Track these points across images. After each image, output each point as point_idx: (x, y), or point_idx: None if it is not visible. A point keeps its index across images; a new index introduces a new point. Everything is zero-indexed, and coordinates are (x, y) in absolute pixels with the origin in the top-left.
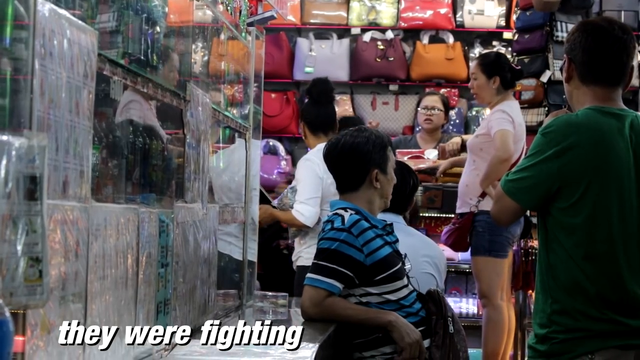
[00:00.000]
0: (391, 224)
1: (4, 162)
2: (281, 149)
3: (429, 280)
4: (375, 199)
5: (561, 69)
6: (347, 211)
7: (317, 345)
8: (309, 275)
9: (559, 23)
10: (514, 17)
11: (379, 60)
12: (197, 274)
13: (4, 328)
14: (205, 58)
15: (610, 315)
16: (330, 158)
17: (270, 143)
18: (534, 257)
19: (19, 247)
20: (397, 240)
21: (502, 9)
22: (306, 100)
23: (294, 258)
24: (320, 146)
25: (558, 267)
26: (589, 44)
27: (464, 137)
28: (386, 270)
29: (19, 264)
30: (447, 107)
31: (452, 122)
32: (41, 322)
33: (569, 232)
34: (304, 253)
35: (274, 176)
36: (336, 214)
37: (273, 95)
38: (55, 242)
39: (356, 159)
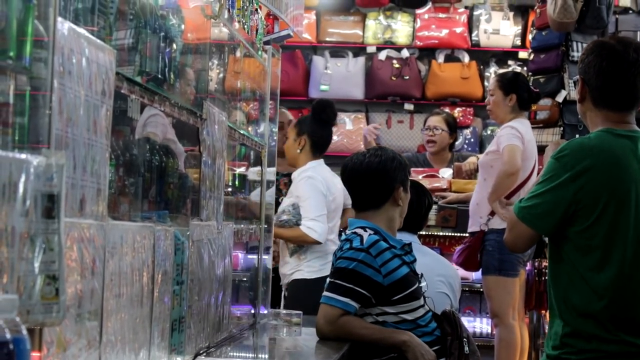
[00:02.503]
0: (410, 244)
1: (22, 180)
2: None
3: (443, 299)
4: (396, 217)
5: (575, 83)
6: (366, 231)
7: None
8: (325, 293)
9: (574, 43)
10: (529, 36)
11: (394, 78)
12: (212, 292)
13: (20, 346)
14: (222, 76)
15: (622, 337)
16: (353, 175)
17: None
18: (547, 277)
19: (36, 265)
20: (414, 260)
21: (518, 29)
22: (308, 118)
23: (288, 271)
24: (315, 164)
25: (570, 290)
26: (603, 69)
27: (480, 156)
28: (403, 291)
29: (35, 282)
30: (453, 126)
31: (467, 142)
32: (57, 340)
33: (584, 254)
34: (304, 267)
35: None
36: (355, 233)
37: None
38: (71, 260)
39: (383, 177)
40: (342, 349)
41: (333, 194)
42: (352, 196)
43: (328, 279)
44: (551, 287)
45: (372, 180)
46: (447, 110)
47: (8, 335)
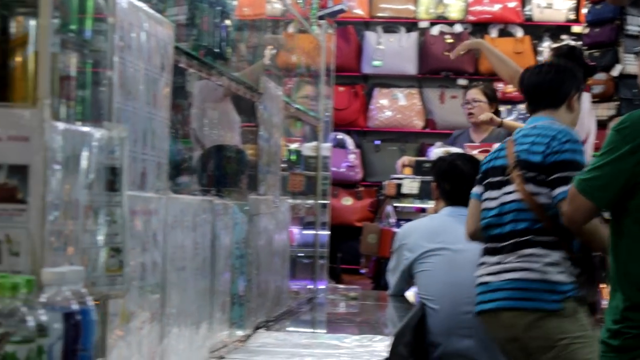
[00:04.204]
0: None
1: (85, 153)
2: (349, 142)
3: None
4: (568, 124)
5: (637, 55)
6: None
7: (391, 338)
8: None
9: (629, 17)
10: (584, 10)
11: (447, 53)
12: (271, 266)
13: (87, 317)
14: (276, 51)
15: None
16: (543, 72)
17: (339, 136)
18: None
19: (100, 238)
20: None
21: (572, 3)
22: None
23: None
24: None
25: (630, 263)
26: None
27: (505, 120)
28: None
29: (100, 255)
30: (492, 97)
31: (521, 116)
32: (121, 312)
33: None
34: None
35: (342, 169)
36: (552, 126)
37: (341, 88)
38: (134, 233)
39: (568, 77)
40: (402, 323)
41: None
42: (535, 92)
43: (562, 174)
44: (612, 260)
45: (559, 77)
46: (500, 85)
47: (75, 306)
